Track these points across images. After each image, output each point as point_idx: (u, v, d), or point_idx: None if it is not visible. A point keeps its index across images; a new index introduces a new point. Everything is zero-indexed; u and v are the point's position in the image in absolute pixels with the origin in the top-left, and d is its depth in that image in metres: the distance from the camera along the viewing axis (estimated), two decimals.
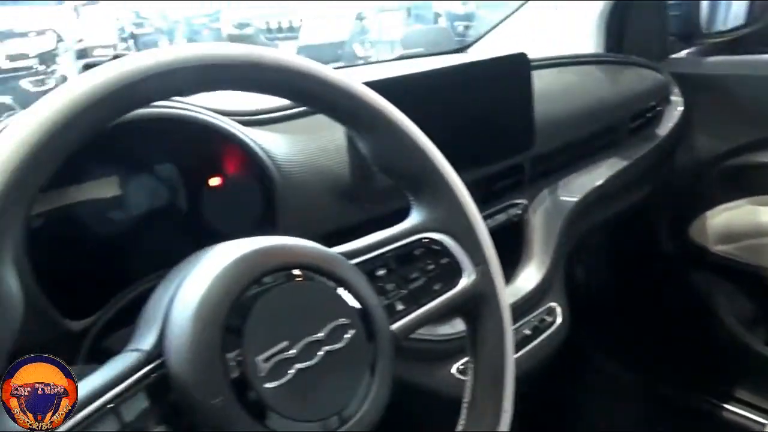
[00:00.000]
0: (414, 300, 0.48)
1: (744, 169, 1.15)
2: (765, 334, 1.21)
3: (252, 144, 0.62)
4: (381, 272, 0.48)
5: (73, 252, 0.57)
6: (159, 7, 8.63)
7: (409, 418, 0.59)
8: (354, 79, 0.48)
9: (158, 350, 0.39)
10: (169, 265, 0.44)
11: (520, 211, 0.91)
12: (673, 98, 1.19)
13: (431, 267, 0.50)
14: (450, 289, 0.50)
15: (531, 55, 0.88)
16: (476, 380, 0.51)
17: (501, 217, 0.88)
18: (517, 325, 0.83)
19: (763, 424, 1.18)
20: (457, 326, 0.71)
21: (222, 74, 0.43)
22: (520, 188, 0.92)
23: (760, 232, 1.12)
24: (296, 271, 0.42)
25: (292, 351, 0.40)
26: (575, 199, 0.96)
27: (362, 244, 0.48)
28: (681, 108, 1.18)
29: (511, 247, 0.89)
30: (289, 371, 0.39)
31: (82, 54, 6.56)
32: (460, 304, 0.51)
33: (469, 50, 1.28)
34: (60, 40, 7.01)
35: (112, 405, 0.36)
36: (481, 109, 0.83)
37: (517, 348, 0.68)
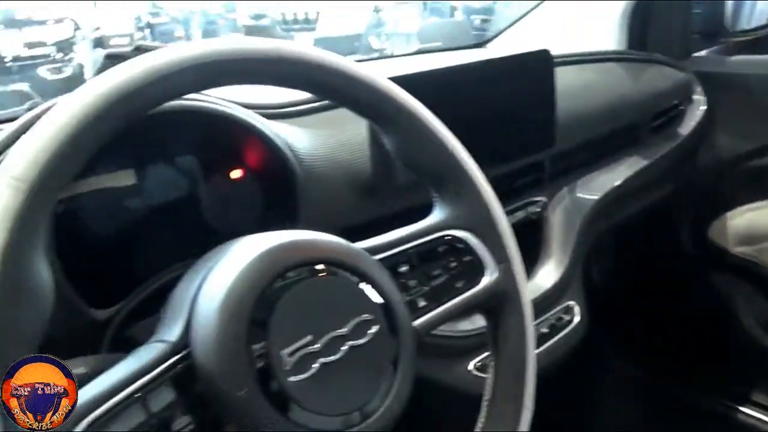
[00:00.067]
0: (436, 297, 0.48)
1: (767, 170, 1.13)
2: None
3: (274, 137, 0.62)
4: (403, 268, 0.48)
5: (96, 241, 0.57)
6: None
7: (426, 415, 0.59)
8: (379, 74, 0.48)
9: (184, 341, 0.39)
10: (189, 257, 0.45)
11: (539, 209, 0.90)
12: (695, 97, 1.18)
13: (454, 264, 0.50)
14: (472, 286, 0.50)
15: (552, 52, 0.87)
16: (497, 378, 0.51)
17: (520, 215, 0.87)
18: (535, 323, 0.82)
19: None
20: (477, 322, 0.71)
21: (257, 67, 0.43)
22: (540, 186, 0.91)
23: None
24: (320, 266, 0.42)
25: (317, 345, 0.40)
26: (595, 198, 0.96)
27: (385, 240, 0.48)
28: (704, 107, 1.17)
29: (530, 244, 0.89)
30: (313, 365, 0.39)
31: (98, 42, 6.61)
32: (482, 302, 0.51)
33: (489, 46, 1.27)
34: (77, 28, 7.07)
35: (139, 395, 0.37)
36: (503, 105, 0.82)
37: None
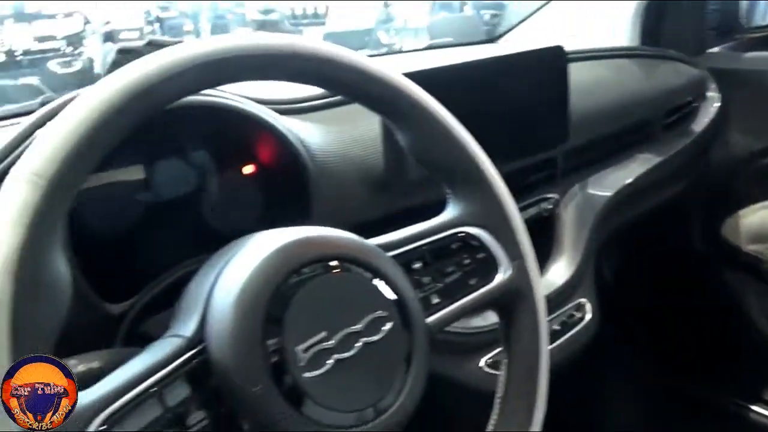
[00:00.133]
0: (449, 294, 0.48)
1: None
2: None
3: (287, 132, 0.62)
4: (417, 265, 0.48)
5: (110, 235, 0.58)
6: None
7: (438, 411, 0.59)
8: (392, 69, 0.48)
9: (199, 336, 0.39)
10: (202, 252, 0.45)
11: (551, 206, 0.90)
12: (709, 94, 1.17)
13: (467, 261, 0.50)
14: (486, 284, 0.50)
15: (565, 48, 0.87)
16: (510, 375, 0.51)
17: (532, 211, 0.87)
18: (547, 320, 0.82)
19: None
20: (489, 318, 0.71)
21: (272, 63, 0.43)
22: (552, 182, 0.91)
23: None
24: (334, 263, 0.42)
25: (331, 342, 0.40)
26: (607, 194, 0.95)
27: (399, 237, 0.48)
28: (717, 104, 1.16)
29: (542, 241, 0.88)
30: (327, 362, 0.39)
31: (108, 36, 6.63)
32: (495, 299, 0.50)
33: (500, 41, 1.26)
34: (87, 22, 7.10)
35: (155, 389, 0.37)
36: (516, 101, 0.82)
37: None
